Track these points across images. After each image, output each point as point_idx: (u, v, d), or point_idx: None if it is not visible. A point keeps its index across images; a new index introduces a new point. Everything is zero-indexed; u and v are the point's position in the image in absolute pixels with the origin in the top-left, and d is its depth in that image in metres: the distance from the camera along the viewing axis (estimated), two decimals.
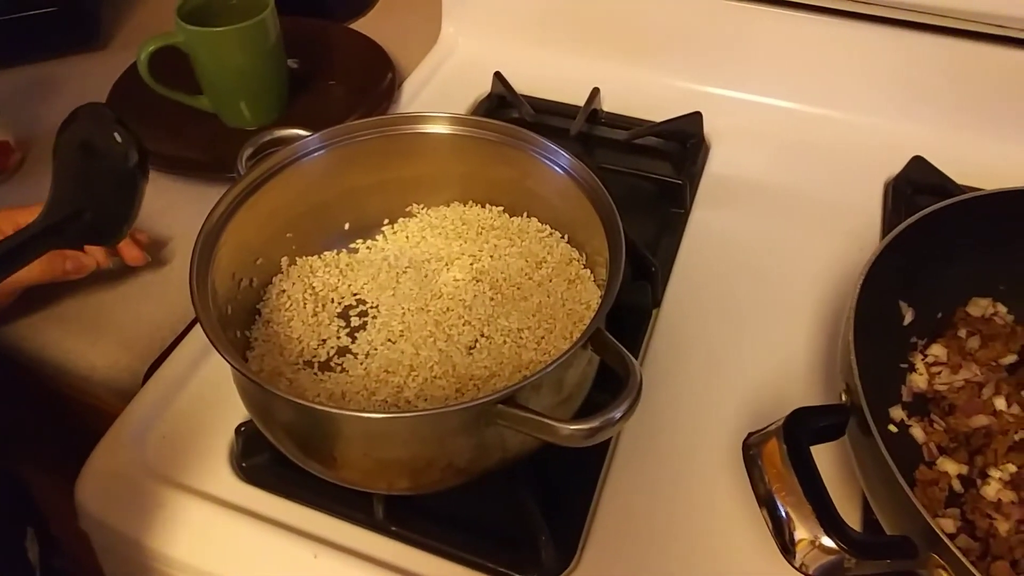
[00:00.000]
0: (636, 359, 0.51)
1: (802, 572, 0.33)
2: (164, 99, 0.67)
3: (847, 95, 0.68)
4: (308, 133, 0.50)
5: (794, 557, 0.33)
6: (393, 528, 0.44)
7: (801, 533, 0.33)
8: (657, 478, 0.47)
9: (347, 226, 0.54)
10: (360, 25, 0.84)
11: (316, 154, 0.50)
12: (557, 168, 0.48)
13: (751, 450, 0.36)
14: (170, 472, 0.47)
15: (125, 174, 0.43)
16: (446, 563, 0.43)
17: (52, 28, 0.79)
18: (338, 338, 0.50)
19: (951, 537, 0.38)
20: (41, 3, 0.77)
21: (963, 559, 0.31)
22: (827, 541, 0.32)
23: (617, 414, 0.35)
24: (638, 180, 0.65)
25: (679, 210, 0.63)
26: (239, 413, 0.47)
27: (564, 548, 0.43)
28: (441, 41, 0.80)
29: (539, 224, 0.53)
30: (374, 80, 0.73)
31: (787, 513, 0.33)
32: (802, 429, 0.35)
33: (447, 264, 0.53)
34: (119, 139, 0.42)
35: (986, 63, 0.64)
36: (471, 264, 0.52)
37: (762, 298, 0.56)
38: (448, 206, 0.55)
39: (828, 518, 0.33)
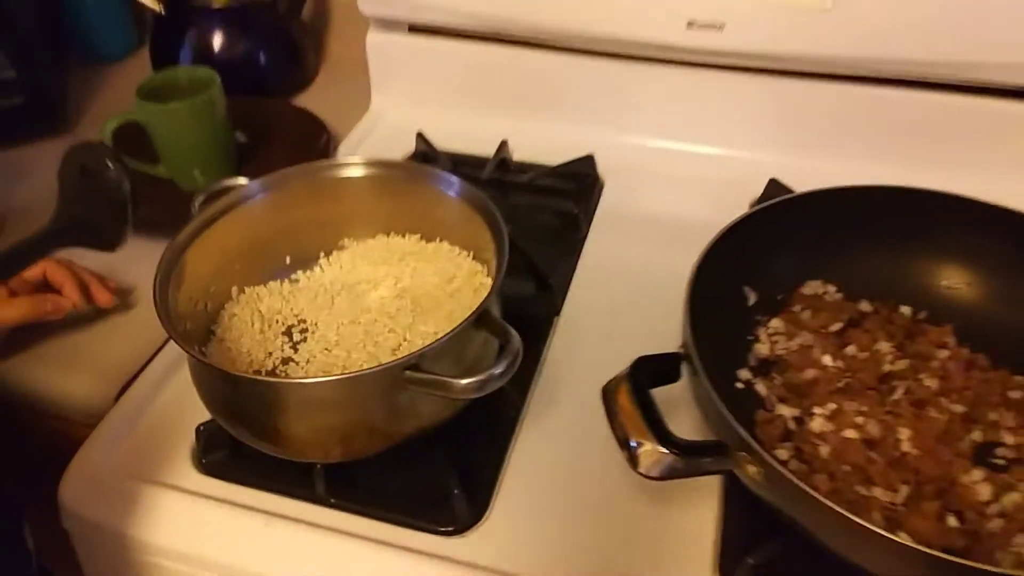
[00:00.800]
0: (542, 356, 0.62)
1: (647, 476, 0.42)
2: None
3: (715, 133, 0.81)
4: (250, 181, 0.60)
5: (639, 465, 0.42)
6: (332, 500, 0.52)
7: (643, 448, 0.42)
8: (557, 445, 0.56)
9: (288, 260, 0.64)
10: (300, 101, 0.95)
11: (257, 198, 0.60)
12: (454, 195, 0.59)
13: (607, 393, 0.45)
14: (141, 471, 0.55)
15: (119, 197, 0.53)
16: (376, 523, 0.51)
17: (22, 117, 0.89)
18: (282, 350, 0.58)
19: (784, 463, 0.47)
20: (10, 94, 0.87)
21: (760, 451, 0.40)
22: (660, 448, 0.41)
23: (498, 370, 0.45)
24: (543, 214, 0.76)
25: (577, 235, 0.74)
26: (198, 417, 0.55)
27: (476, 503, 0.51)
28: (371, 110, 0.92)
29: (449, 246, 0.63)
30: (312, 144, 0.84)
31: (633, 435, 0.43)
32: (643, 373, 0.45)
33: (375, 285, 0.62)
34: (110, 166, 0.53)
35: (821, 99, 0.76)
36: (395, 283, 0.62)
37: (646, 303, 0.66)
38: (374, 238, 0.65)
39: (660, 433, 0.42)
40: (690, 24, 0.75)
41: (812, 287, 0.60)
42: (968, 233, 0.57)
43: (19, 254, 0.53)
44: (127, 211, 0.55)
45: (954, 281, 0.58)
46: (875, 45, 0.71)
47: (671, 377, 0.48)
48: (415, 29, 0.88)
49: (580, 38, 0.80)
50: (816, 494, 0.39)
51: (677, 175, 0.80)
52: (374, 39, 0.89)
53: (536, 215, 0.76)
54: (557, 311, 0.66)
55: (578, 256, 0.72)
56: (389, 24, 0.88)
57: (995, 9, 0.67)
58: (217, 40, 0.91)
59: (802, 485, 0.40)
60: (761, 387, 0.54)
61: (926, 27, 0.69)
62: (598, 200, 0.78)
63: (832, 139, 0.77)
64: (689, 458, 0.41)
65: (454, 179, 0.59)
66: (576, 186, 0.78)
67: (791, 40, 0.74)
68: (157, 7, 0.90)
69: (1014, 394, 0.52)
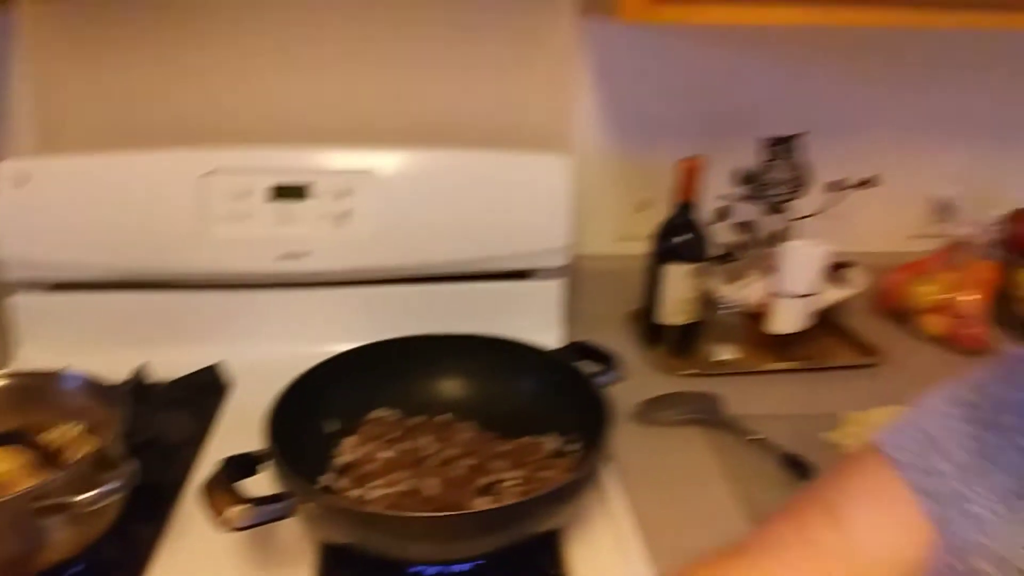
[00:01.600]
0: (173, 507, 0.75)
1: (237, 529, 0.58)
2: None
3: (317, 335, 1.05)
4: None
5: (229, 523, 0.59)
6: None
7: (229, 512, 0.59)
8: (187, 563, 0.69)
9: None
10: None
11: None
12: (81, 389, 0.74)
13: (203, 486, 0.62)
14: None
15: None
16: None
17: None
18: None
19: None
20: None
21: (311, 488, 0.59)
22: (240, 507, 0.59)
23: (112, 487, 0.60)
24: (178, 413, 0.92)
25: (206, 424, 0.90)
26: None
27: None
28: (17, 361, 1.03)
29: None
30: None
31: (222, 507, 0.59)
32: (230, 468, 0.63)
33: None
34: None
35: (389, 297, 1.05)
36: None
37: None
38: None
39: (240, 498, 0.59)
40: (282, 256, 1.02)
41: (378, 412, 0.83)
42: (464, 357, 0.85)
43: None
44: None
45: (464, 390, 0.85)
46: (414, 255, 1.03)
47: (253, 472, 0.66)
48: (56, 286, 1.03)
49: (196, 276, 1.02)
50: (336, 500, 0.59)
51: (291, 373, 1.01)
52: (18, 299, 1.03)
53: (172, 414, 0.91)
54: (186, 478, 0.81)
55: (207, 439, 0.88)
56: (31, 285, 1.03)
57: (488, 226, 1.03)
58: None
59: (337, 501, 0.59)
60: (339, 483, 0.74)
61: (440, 240, 1.03)
62: (227, 398, 0.96)
63: (396, 324, 1.04)
64: (261, 507, 0.59)
65: (79, 375, 0.74)
66: (205, 390, 0.96)
67: (357, 259, 1.03)
68: None
69: (506, 448, 0.77)
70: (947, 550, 0.46)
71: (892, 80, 1.17)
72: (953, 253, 1.13)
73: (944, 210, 1.14)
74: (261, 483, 0.65)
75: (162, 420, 0.89)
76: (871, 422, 0.87)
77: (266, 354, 1.03)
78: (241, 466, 0.64)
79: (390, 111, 1.12)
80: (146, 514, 0.71)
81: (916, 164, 1.22)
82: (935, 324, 1.12)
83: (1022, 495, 0.44)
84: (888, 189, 1.17)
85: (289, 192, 1.01)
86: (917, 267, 1.16)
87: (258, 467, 0.66)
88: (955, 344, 1.10)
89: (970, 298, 1.10)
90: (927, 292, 1.12)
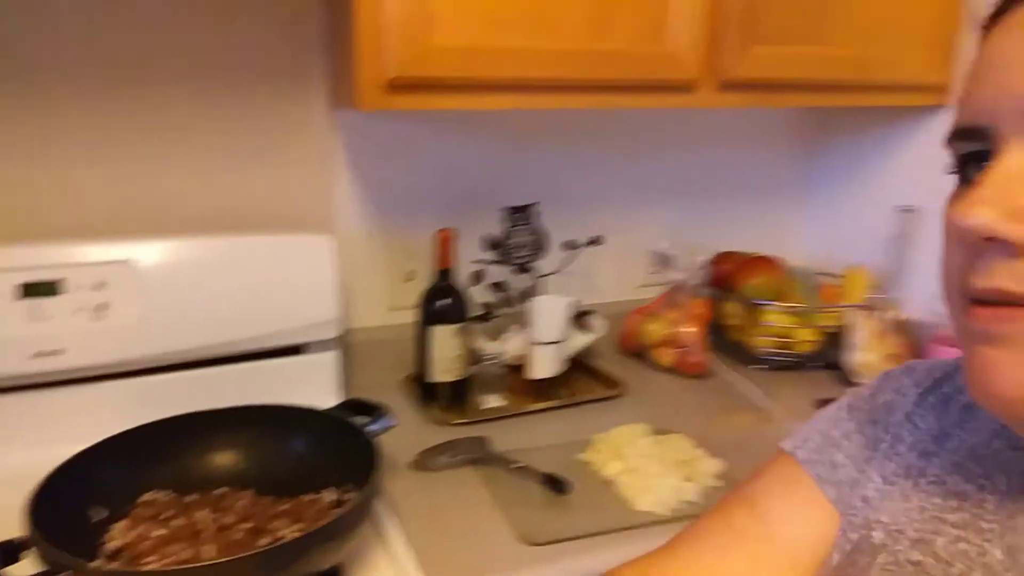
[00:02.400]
0: None
1: None
2: None
3: (84, 435, 1.00)
4: None
5: None
6: None
7: None
8: None
9: None
10: None
11: None
12: None
13: None
14: None
15: None
16: None
17: None
18: None
19: None
20: None
21: (73, 559, 0.59)
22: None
23: None
24: None
25: None
26: None
27: None
28: None
29: None
30: None
31: None
32: None
33: None
34: None
35: (155, 386, 1.04)
36: None
37: None
38: None
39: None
40: (36, 354, 0.98)
41: (150, 495, 0.82)
42: (234, 428, 0.88)
43: None
44: None
45: (239, 460, 0.87)
46: (180, 341, 1.04)
47: (15, 559, 0.64)
48: None
49: None
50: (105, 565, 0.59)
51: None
52: None
53: None
54: None
55: None
56: None
57: (254, 307, 1.06)
58: None
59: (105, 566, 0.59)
60: (111, 566, 0.73)
61: (207, 325, 1.04)
62: None
63: (171, 412, 1.03)
64: None
65: None
66: None
67: (118, 351, 1.02)
68: None
69: (284, 508, 0.80)
70: (848, 528, 0.53)
71: (609, 152, 1.37)
72: (673, 295, 1.33)
73: (662, 260, 1.34)
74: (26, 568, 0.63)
75: None
76: (612, 439, 1.00)
77: (21, 460, 0.97)
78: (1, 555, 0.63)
79: (151, 203, 1.13)
80: None
81: (635, 223, 1.43)
82: (665, 356, 1.30)
83: (898, 474, 0.52)
84: (616, 246, 1.36)
85: (39, 289, 0.99)
86: (646, 310, 1.35)
87: (21, 555, 0.64)
88: (682, 371, 1.29)
89: (689, 330, 1.29)
90: (655, 330, 1.31)
